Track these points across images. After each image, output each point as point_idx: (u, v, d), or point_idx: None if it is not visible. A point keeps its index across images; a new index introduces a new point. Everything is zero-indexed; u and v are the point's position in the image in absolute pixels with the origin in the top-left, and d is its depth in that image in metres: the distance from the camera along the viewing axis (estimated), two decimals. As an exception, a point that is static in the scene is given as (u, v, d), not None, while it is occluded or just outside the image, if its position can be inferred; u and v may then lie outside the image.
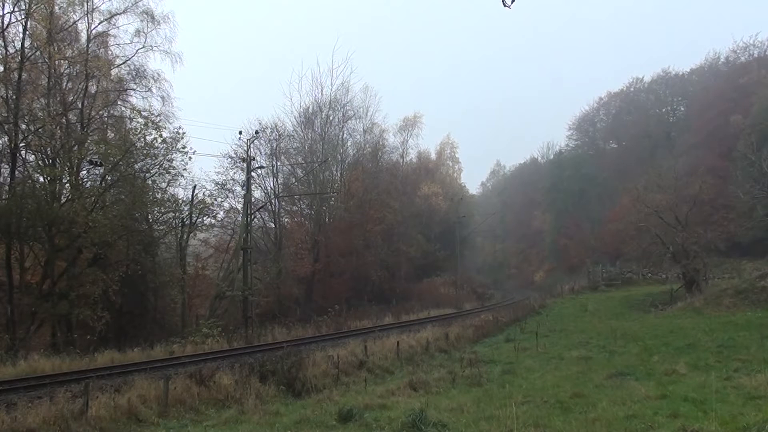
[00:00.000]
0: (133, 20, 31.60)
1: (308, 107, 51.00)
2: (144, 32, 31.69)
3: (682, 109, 78.48)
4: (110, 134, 31.78)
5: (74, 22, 30.16)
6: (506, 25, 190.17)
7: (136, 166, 29.94)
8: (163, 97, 32.80)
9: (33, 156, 27.92)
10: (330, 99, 51.58)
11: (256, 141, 37.43)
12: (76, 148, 27.54)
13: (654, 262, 44.52)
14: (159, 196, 30.79)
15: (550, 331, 25.43)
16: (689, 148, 60.54)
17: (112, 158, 27.70)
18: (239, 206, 35.53)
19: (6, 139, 26.20)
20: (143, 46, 31.80)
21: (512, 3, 6.53)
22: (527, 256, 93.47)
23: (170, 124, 31.06)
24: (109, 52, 32.26)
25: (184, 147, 30.13)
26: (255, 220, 37.72)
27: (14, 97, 25.93)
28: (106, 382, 13.41)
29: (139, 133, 29.28)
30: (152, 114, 29.71)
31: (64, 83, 29.71)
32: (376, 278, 50.36)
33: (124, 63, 32.29)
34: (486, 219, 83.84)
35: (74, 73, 29.72)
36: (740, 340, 17.71)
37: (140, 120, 29.27)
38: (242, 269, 31.39)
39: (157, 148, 29.32)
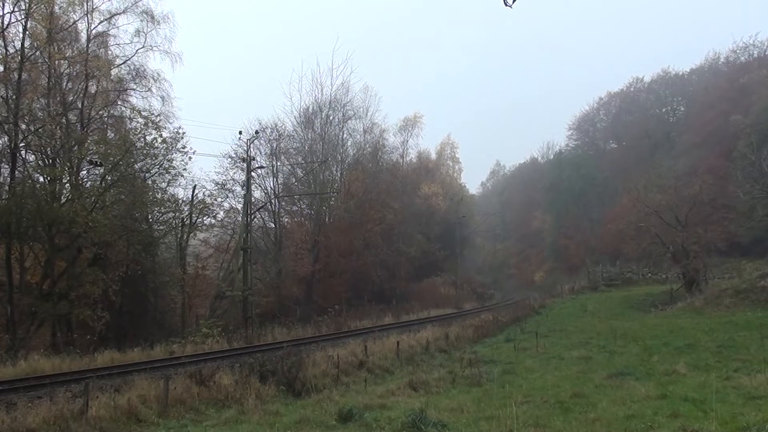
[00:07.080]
0: (133, 20, 31.78)
1: (308, 107, 51.01)
2: (144, 32, 31.87)
3: (682, 109, 78.38)
4: (110, 134, 31.83)
5: (74, 22, 30.23)
6: (507, 25, 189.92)
7: (136, 166, 30.02)
8: (163, 97, 32.98)
9: (33, 156, 27.98)
10: (330, 99, 51.61)
11: (256, 141, 37.44)
12: (76, 148, 27.56)
13: (654, 262, 44.50)
14: (159, 196, 30.88)
15: (550, 331, 25.40)
16: (689, 148, 60.46)
17: (112, 158, 27.74)
18: (239, 206, 35.53)
19: (6, 139, 26.23)
20: (143, 46, 32.00)
21: (513, 2, 6.53)
22: (527, 256, 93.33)
23: (170, 124, 31.27)
24: (109, 52, 32.37)
25: (184, 147, 30.34)
26: (255, 220, 37.74)
27: (14, 97, 25.95)
28: (106, 382, 13.41)
29: (139, 133, 29.40)
30: (152, 114, 29.89)
31: (64, 83, 29.73)
32: (376, 278, 50.34)
33: (124, 63, 32.42)
34: (486, 219, 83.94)
35: (74, 73, 29.76)
36: (740, 340, 17.70)
37: (140, 120, 29.40)
38: (242, 269, 31.38)
39: (157, 148, 29.43)
